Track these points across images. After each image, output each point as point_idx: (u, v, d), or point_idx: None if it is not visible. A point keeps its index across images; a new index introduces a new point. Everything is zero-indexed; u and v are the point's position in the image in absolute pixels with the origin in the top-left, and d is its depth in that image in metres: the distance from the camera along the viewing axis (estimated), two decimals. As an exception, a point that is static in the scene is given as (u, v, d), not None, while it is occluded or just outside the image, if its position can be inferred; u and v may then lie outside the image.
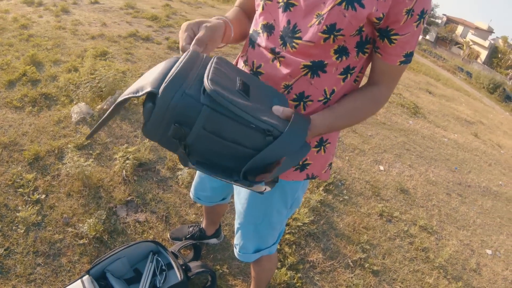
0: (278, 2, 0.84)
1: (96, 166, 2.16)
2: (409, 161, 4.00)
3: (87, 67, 3.10)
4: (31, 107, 2.64)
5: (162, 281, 1.50)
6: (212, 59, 0.77)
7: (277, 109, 0.77)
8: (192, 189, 1.51)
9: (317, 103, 0.90)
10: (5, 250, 1.65)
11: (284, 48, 0.85)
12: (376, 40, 0.84)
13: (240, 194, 1.15)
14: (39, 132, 2.41)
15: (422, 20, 0.78)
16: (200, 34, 0.79)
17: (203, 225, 1.84)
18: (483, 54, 37.40)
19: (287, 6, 0.82)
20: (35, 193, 1.94)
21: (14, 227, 1.75)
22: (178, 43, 4.68)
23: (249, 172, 0.71)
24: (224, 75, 0.72)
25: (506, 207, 4.23)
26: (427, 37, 38.37)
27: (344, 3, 0.74)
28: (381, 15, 0.76)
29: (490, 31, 40.42)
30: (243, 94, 0.71)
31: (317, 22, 0.78)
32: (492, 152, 6.33)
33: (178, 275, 1.48)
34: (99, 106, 2.68)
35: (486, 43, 37.59)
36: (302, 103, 0.90)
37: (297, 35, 0.82)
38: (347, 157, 3.43)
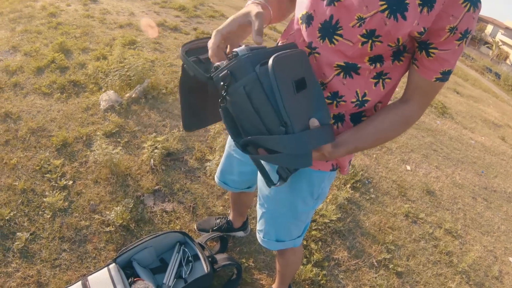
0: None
1: (124, 154, 2.18)
2: (436, 162, 3.90)
3: (115, 56, 3.12)
4: (59, 94, 2.68)
5: (188, 272, 1.51)
6: (297, 50, 0.80)
7: (313, 121, 0.77)
8: (218, 173, 1.46)
9: (350, 104, 0.90)
10: (31, 234, 1.68)
11: (322, 41, 0.83)
12: (415, 51, 0.82)
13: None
14: (67, 119, 2.44)
15: (465, 39, 0.75)
16: (257, 25, 0.78)
17: (230, 217, 1.84)
18: (512, 55, 36.18)
19: (332, 0, 0.79)
20: (62, 179, 1.97)
21: (40, 212, 1.78)
22: (206, 33, 4.75)
23: (250, 143, 0.78)
24: (293, 65, 0.76)
25: (532, 214, 4.10)
26: (455, 35, 37.35)
27: (387, 12, 0.73)
28: (422, 30, 0.74)
29: (520, 31, 39.01)
30: (293, 87, 0.74)
31: (358, 25, 0.77)
32: None
33: (204, 267, 1.48)
34: (128, 95, 2.70)
35: (515, 43, 36.36)
36: (335, 102, 0.90)
37: (338, 32, 0.80)
38: (374, 155, 3.36)
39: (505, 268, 2.84)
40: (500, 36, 37.58)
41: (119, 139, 2.32)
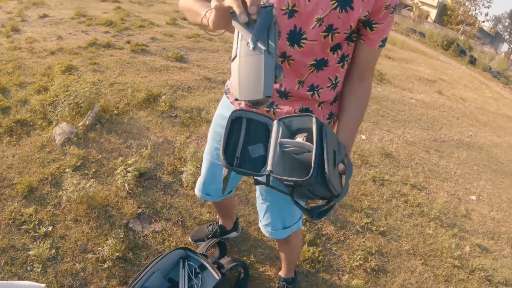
0: (282, 10, 0.93)
1: (97, 185, 2.13)
2: (386, 126, 4.19)
3: (57, 85, 2.99)
4: (8, 137, 2.52)
5: (200, 284, 1.54)
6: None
7: (340, 167, 0.91)
8: (199, 186, 1.50)
9: (326, 89, 1.08)
10: None
11: (292, 48, 0.98)
12: (360, 28, 0.99)
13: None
14: (25, 162, 2.31)
15: (394, 11, 0.97)
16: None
17: (220, 222, 1.89)
18: (433, 13, 38.55)
19: (292, 13, 0.93)
20: (40, 226, 1.86)
21: (29, 268, 1.68)
22: (141, 45, 4.65)
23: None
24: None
25: (479, 155, 4.54)
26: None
27: (338, 8, 0.90)
28: (366, 13, 0.93)
29: (437, -11, 41.57)
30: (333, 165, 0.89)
31: (318, 25, 0.93)
32: (457, 106, 6.71)
33: (214, 274, 1.52)
34: (81, 123, 2.62)
35: (434, 2, 38.64)
36: (315, 91, 1.07)
37: (303, 36, 0.95)
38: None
39: (469, 206, 3.17)
40: (419, -3, 39.86)
41: (86, 171, 2.26)
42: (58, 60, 3.91)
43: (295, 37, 0.95)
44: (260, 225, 1.39)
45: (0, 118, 2.71)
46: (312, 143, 0.85)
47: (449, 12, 37.42)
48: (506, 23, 42.18)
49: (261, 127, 0.97)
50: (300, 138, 0.92)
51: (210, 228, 1.90)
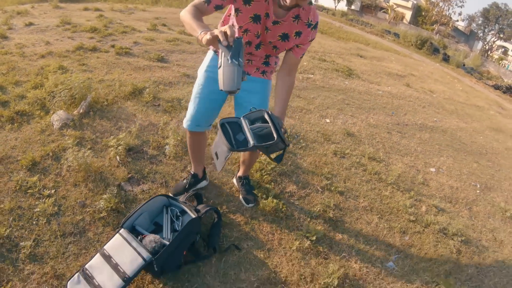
0: (255, 34, 1.66)
1: (92, 156, 2.48)
2: (350, 112, 4.61)
3: (51, 81, 3.32)
4: (10, 125, 2.82)
5: (180, 224, 1.90)
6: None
7: (283, 130, 1.59)
8: (192, 121, 2.01)
9: (271, 65, 1.92)
10: (33, 241, 1.86)
11: (256, 50, 1.76)
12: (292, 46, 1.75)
13: (254, 96, 1.93)
14: (27, 143, 2.64)
15: (312, 40, 1.71)
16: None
17: (193, 170, 2.30)
18: (408, 14, 39.70)
19: (258, 36, 1.68)
20: (44, 190, 2.19)
21: (35, 222, 1.99)
22: (125, 49, 5.00)
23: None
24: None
25: (443, 137, 4.95)
26: (353, 7, 40.05)
27: (281, 39, 1.68)
28: (298, 44, 1.71)
29: (411, -8, 42.79)
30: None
31: (270, 44, 1.71)
32: (425, 97, 7.10)
33: (191, 214, 1.89)
34: (76, 111, 2.96)
35: (409, 4, 39.83)
36: (265, 63, 1.87)
37: (262, 46, 1.74)
38: (297, 116, 3.97)
39: (428, 176, 3.56)
40: (393, 0, 41.01)
41: (82, 148, 2.60)
42: (49, 62, 4.24)
43: (258, 46, 1.73)
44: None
45: (1, 111, 3.02)
46: (265, 125, 1.58)
47: (423, 13, 38.63)
48: (480, 21, 43.66)
49: (235, 124, 1.64)
50: (258, 123, 1.62)
51: (185, 181, 2.31)
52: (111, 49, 5.12)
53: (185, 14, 1.50)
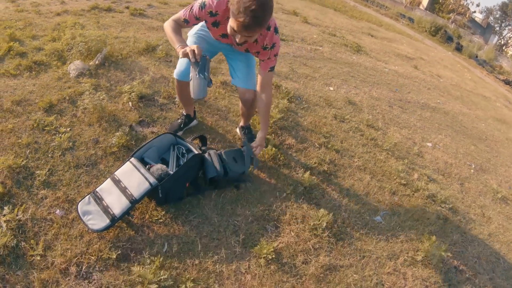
0: (234, 45, 2.04)
1: (106, 101, 2.65)
2: (354, 84, 4.73)
3: (68, 34, 3.48)
4: (28, 73, 2.98)
5: (185, 160, 2.08)
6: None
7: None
8: (181, 74, 2.19)
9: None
10: (48, 171, 2.03)
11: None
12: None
13: (240, 63, 2.23)
14: (45, 89, 2.80)
15: (276, 56, 2.02)
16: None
17: (184, 112, 2.52)
18: (425, 0, 38.91)
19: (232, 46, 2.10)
20: (60, 127, 2.36)
21: (50, 154, 2.15)
22: (139, 10, 5.11)
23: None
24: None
25: (444, 118, 5.02)
26: (369, -11, 39.25)
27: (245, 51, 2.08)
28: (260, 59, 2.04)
29: (430, -23, 41.66)
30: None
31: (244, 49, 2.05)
32: (431, 80, 7.10)
33: (195, 151, 2.06)
34: (92, 62, 3.13)
35: (427, -11, 39.03)
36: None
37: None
38: (301, 82, 4.11)
39: (424, 149, 3.68)
40: (413, -17, 39.93)
41: (98, 93, 2.76)
42: (65, 19, 4.38)
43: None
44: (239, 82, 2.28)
45: (19, 60, 3.17)
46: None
47: (440, 0, 37.77)
48: (497, 15, 42.62)
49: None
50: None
51: (179, 120, 2.53)
52: (125, 10, 5.24)
53: (167, 27, 1.90)
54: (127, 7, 5.30)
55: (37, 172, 2.01)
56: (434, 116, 4.91)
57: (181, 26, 1.95)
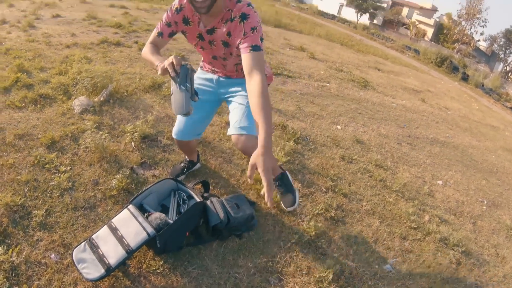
0: (220, 56, 1.85)
1: (108, 141, 2.60)
2: (362, 121, 4.67)
3: (75, 69, 3.49)
4: (33, 106, 2.97)
5: (186, 208, 2.00)
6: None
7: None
8: (179, 134, 2.10)
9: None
10: (45, 211, 1.96)
11: (225, 61, 1.90)
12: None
13: (235, 107, 1.95)
14: (48, 124, 2.77)
15: (254, 30, 1.59)
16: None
17: (188, 158, 2.44)
18: (430, 32, 39.51)
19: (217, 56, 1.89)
20: (61, 166, 2.31)
21: (49, 194, 2.09)
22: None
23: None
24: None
25: (453, 152, 4.93)
26: (375, 21, 40.01)
27: (223, 45, 1.76)
28: (239, 41, 1.63)
29: (434, 9, 42.09)
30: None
31: (228, 57, 1.84)
32: (439, 113, 7.08)
33: (197, 199, 1.98)
34: (97, 98, 3.11)
35: (431, 21, 39.65)
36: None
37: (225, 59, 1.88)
38: (309, 121, 4.05)
39: (434, 188, 3.57)
40: (416, 16, 40.61)
41: (100, 132, 2.73)
42: (73, 52, 4.43)
43: (224, 59, 1.89)
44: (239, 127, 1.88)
45: (25, 92, 3.18)
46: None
47: (445, 31, 38.34)
48: (501, 42, 43.00)
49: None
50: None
51: (182, 164, 2.44)
52: (134, 45, 5.32)
53: (144, 53, 1.74)
54: (136, 42, 5.39)
55: (34, 212, 1.95)
56: (444, 151, 4.82)
57: (157, 45, 1.80)
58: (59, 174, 2.23)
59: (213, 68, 2.05)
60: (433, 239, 2.69)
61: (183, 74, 1.49)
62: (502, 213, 3.64)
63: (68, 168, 2.32)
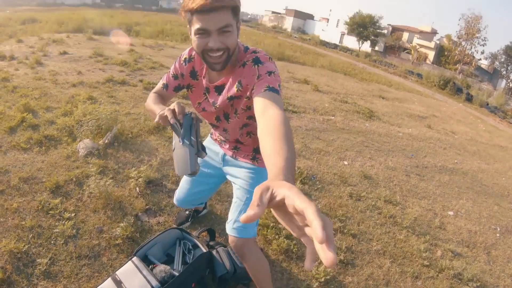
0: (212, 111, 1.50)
1: (113, 185, 2.58)
2: (369, 154, 4.62)
3: (80, 110, 3.51)
4: (38, 148, 2.96)
5: (192, 258, 1.94)
6: None
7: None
8: (180, 202, 2.02)
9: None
10: (49, 259, 1.92)
11: (218, 122, 1.58)
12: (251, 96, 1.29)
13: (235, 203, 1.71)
14: (53, 167, 2.76)
15: (272, 74, 1.24)
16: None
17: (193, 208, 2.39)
18: (431, 54, 39.94)
19: (220, 118, 1.54)
20: (65, 212, 2.28)
21: (53, 241, 2.06)
22: (152, 84, 5.23)
23: None
24: None
25: (463, 179, 4.85)
26: (376, 48, 40.66)
27: (228, 100, 1.39)
28: (251, 90, 1.28)
29: (434, 32, 42.73)
30: None
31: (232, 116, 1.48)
32: (446, 138, 7.02)
33: (203, 249, 1.92)
34: (101, 141, 3.11)
35: (432, 44, 40.15)
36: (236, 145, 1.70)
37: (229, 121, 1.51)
38: (315, 158, 4.01)
39: (445, 219, 3.48)
40: (416, 40, 41.22)
41: (104, 177, 2.70)
42: (79, 91, 4.48)
43: (227, 119, 1.52)
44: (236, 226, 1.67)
45: (31, 133, 3.19)
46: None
47: (446, 53, 38.69)
48: (502, 59, 43.12)
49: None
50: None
51: (187, 212, 2.39)
52: (139, 84, 5.39)
53: (147, 104, 1.51)
54: (141, 80, 5.46)
55: (38, 260, 1.92)
56: (453, 179, 4.74)
57: (162, 96, 1.57)
58: (63, 221, 2.20)
59: (219, 137, 1.79)
60: (447, 275, 2.59)
61: (187, 125, 1.21)
62: (516, 238, 3.54)
63: (73, 215, 2.29)
